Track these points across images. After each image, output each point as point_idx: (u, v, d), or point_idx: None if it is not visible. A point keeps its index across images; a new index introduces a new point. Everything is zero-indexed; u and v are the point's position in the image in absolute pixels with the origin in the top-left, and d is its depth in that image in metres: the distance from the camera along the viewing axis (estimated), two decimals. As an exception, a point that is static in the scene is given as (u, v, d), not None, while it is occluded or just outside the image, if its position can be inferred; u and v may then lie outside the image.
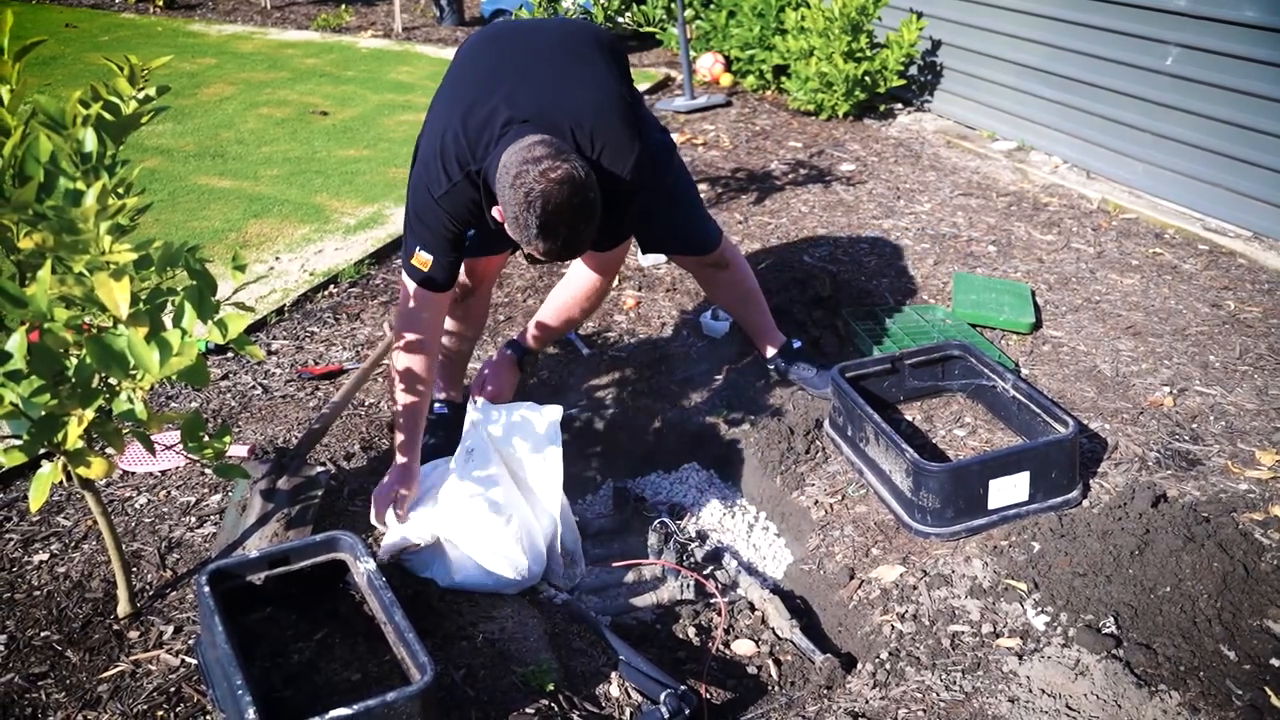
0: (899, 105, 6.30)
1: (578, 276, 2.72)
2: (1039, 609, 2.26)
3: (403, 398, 2.47)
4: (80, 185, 1.74)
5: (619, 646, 2.32)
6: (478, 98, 2.32)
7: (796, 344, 3.26)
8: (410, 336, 2.45)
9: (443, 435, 2.90)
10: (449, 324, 2.85)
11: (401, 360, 2.46)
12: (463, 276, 2.77)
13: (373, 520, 2.45)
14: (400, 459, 2.49)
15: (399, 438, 2.49)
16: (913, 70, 6.21)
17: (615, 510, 2.91)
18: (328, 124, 6.13)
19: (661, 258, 4.15)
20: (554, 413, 2.52)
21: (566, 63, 2.41)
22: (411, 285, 2.43)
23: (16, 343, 1.63)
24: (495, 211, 2.26)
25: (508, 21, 2.52)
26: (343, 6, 9.54)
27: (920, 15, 5.84)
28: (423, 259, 2.38)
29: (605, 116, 2.34)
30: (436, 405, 2.96)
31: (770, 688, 2.35)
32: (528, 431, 2.50)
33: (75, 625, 2.16)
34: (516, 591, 2.41)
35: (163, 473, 2.70)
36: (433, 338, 2.51)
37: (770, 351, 3.27)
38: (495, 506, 2.36)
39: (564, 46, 2.45)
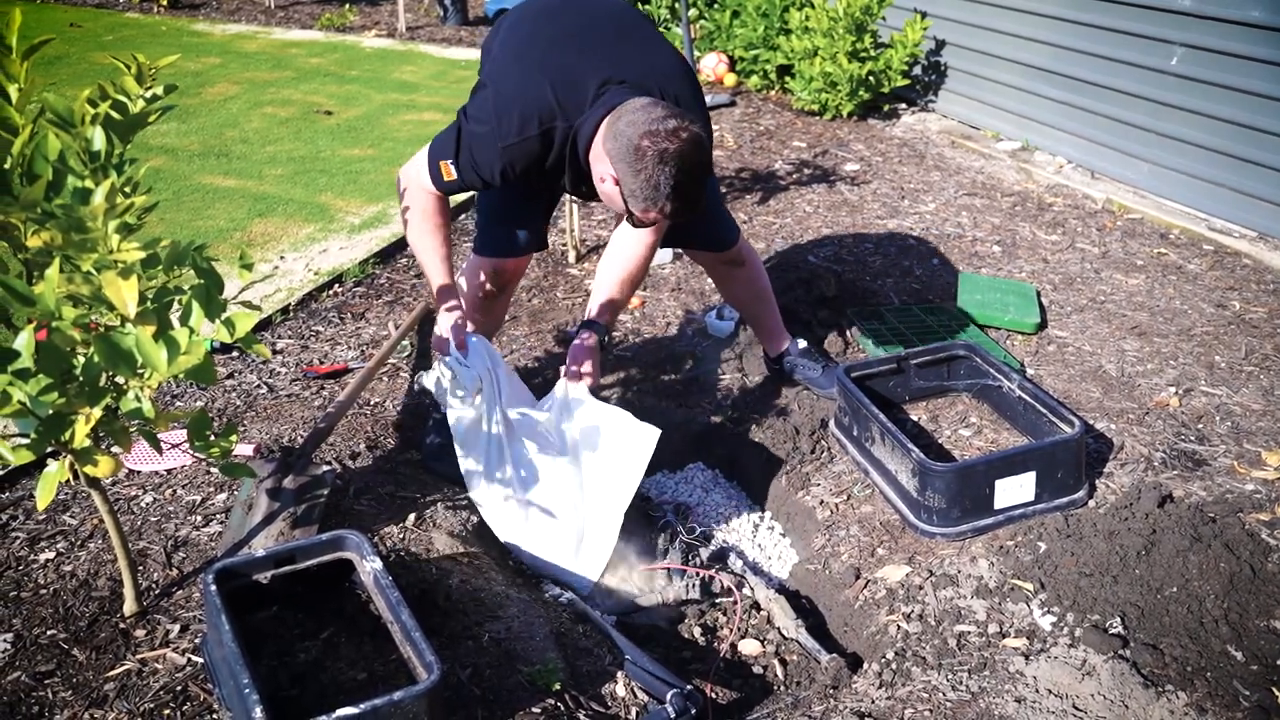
0: (903, 105, 6.30)
1: (632, 242, 2.66)
2: (1045, 609, 2.26)
3: (427, 259, 2.55)
4: (89, 184, 1.74)
5: (625, 646, 2.32)
6: (564, 60, 2.37)
7: (802, 344, 3.25)
8: (416, 213, 2.53)
9: (447, 434, 2.90)
10: (474, 311, 2.88)
11: (413, 234, 2.56)
12: (491, 280, 2.82)
13: (444, 349, 2.54)
14: (445, 304, 2.56)
15: (436, 286, 2.55)
16: (917, 70, 6.21)
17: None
18: (332, 123, 6.14)
19: (668, 256, 4.15)
20: (650, 435, 2.45)
21: (635, 29, 2.48)
22: (423, 177, 2.47)
23: (24, 341, 1.63)
24: (601, 172, 2.29)
25: None
26: (347, 6, 9.54)
27: (924, 15, 5.84)
28: (449, 170, 2.41)
29: (684, 82, 2.43)
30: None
31: (776, 687, 2.35)
32: (616, 442, 2.48)
33: (81, 624, 2.16)
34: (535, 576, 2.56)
35: (169, 471, 2.70)
36: (436, 216, 2.54)
37: (777, 350, 3.26)
38: (555, 497, 2.51)
39: (626, 15, 2.52)
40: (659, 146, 2.16)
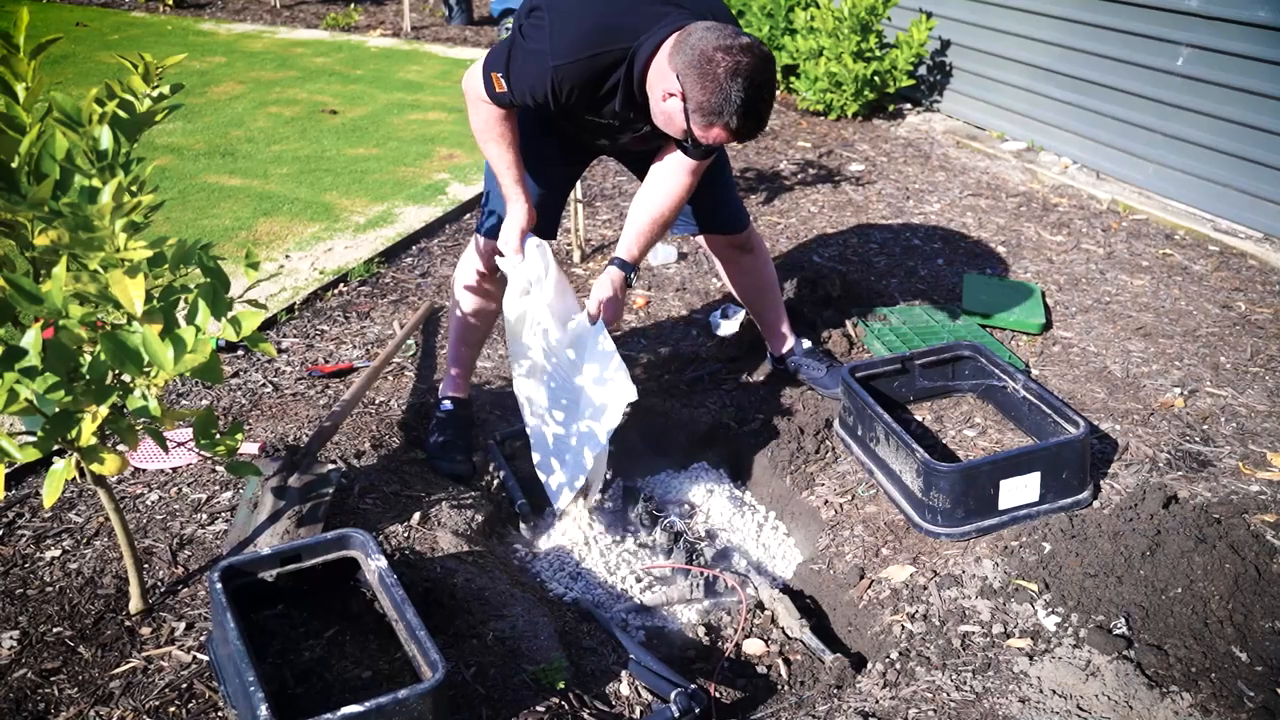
0: (908, 105, 6.29)
1: (669, 180, 2.64)
2: (1050, 609, 2.26)
3: (495, 164, 2.59)
4: (96, 183, 1.75)
5: (629, 645, 2.32)
6: None
7: (807, 343, 3.25)
8: (479, 124, 2.54)
9: (452, 432, 2.91)
10: (474, 302, 2.93)
11: (481, 143, 2.59)
12: (489, 262, 2.80)
13: (510, 251, 2.60)
14: (517, 203, 2.59)
15: (504, 185, 2.60)
16: (922, 70, 6.20)
17: (624, 509, 2.91)
18: (337, 123, 6.15)
19: (672, 255, 4.15)
20: (627, 394, 2.57)
21: None
22: (479, 85, 2.47)
23: (31, 339, 1.64)
24: (664, 88, 2.28)
25: None
26: (352, 5, 9.55)
27: (930, 15, 5.84)
28: (500, 82, 2.41)
29: (728, 13, 2.44)
30: (444, 403, 2.97)
31: (780, 687, 2.35)
32: (605, 387, 2.63)
33: (87, 621, 2.16)
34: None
35: (174, 470, 2.71)
36: (498, 125, 2.53)
37: (782, 349, 3.26)
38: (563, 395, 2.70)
39: None
40: (733, 59, 2.16)
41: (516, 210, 2.60)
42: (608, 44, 2.31)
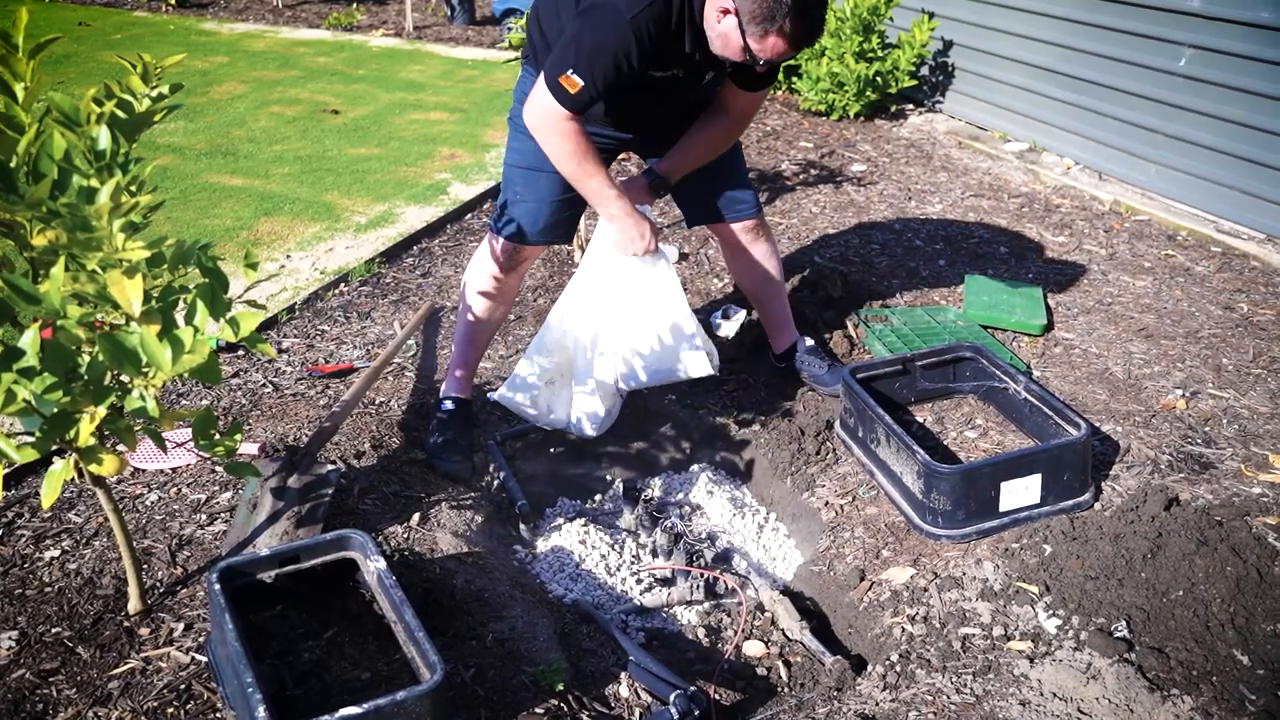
0: (910, 106, 6.28)
1: (719, 117, 2.76)
2: (1050, 612, 2.25)
3: (583, 172, 2.56)
4: (94, 183, 1.74)
5: (628, 647, 2.32)
6: None
7: (810, 341, 3.25)
8: (559, 148, 2.51)
9: (452, 432, 2.90)
10: (486, 304, 2.91)
11: (567, 169, 2.56)
12: (505, 262, 2.83)
13: (645, 246, 2.67)
14: (619, 205, 2.62)
15: (607, 201, 2.61)
16: (924, 71, 6.19)
17: (625, 510, 2.90)
18: (339, 123, 6.15)
19: (673, 256, 4.14)
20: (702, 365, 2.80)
21: None
22: (547, 100, 2.43)
23: (30, 340, 1.64)
24: (719, 5, 2.30)
25: None
26: (354, 5, 9.55)
27: (932, 16, 5.83)
28: (572, 80, 2.37)
29: None
30: (445, 404, 2.97)
31: (780, 689, 2.35)
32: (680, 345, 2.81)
33: (86, 622, 2.16)
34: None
35: (173, 470, 2.70)
36: (578, 140, 2.51)
37: (784, 346, 3.26)
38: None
39: None
40: None
41: (645, 225, 2.66)
42: None
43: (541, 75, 2.45)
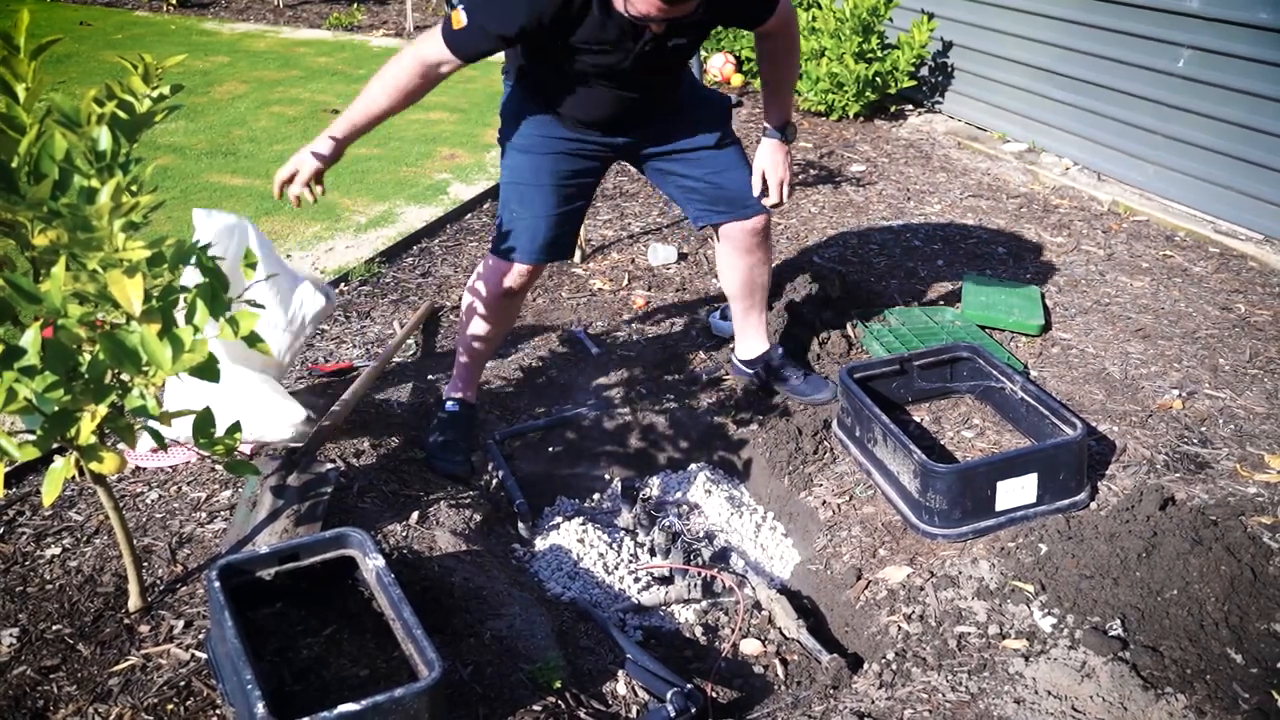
0: (910, 106, 6.29)
1: (776, 42, 2.73)
2: (1046, 611, 2.26)
3: (367, 98, 2.49)
4: (94, 183, 1.76)
5: (626, 645, 2.33)
6: None
7: (779, 350, 3.21)
8: (391, 65, 2.46)
9: (453, 433, 2.90)
10: (482, 326, 2.86)
11: (379, 74, 2.49)
12: (513, 284, 2.78)
13: (275, 185, 2.57)
14: (332, 134, 2.51)
15: (342, 128, 2.51)
16: (924, 71, 6.20)
17: (624, 508, 2.92)
18: (339, 122, 6.15)
19: (672, 255, 4.16)
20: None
21: None
22: (433, 37, 2.40)
23: (31, 339, 1.65)
24: None
25: None
26: (355, 5, 9.56)
27: (931, 16, 5.84)
28: (459, 18, 2.33)
29: None
30: (449, 404, 2.96)
31: (776, 687, 2.36)
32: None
33: (86, 619, 2.17)
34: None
35: (174, 468, 2.72)
36: (407, 78, 2.47)
37: (757, 353, 3.19)
38: None
39: None
40: None
41: (321, 148, 2.51)
42: None
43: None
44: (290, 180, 2.54)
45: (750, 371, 3.24)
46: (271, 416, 2.64)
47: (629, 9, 2.27)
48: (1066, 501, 2.61)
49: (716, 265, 3.18)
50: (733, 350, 3.30)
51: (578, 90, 2.59)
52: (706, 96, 2.91)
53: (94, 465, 1.81)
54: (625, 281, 4.00)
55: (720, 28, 6.70)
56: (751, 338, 3.21)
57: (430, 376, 3.30)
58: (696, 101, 2.84)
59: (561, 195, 2.74)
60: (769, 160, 2.82)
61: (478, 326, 2.87)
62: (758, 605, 2.61)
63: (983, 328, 3.56)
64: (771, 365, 3.19)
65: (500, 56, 2.70)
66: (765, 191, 2.85)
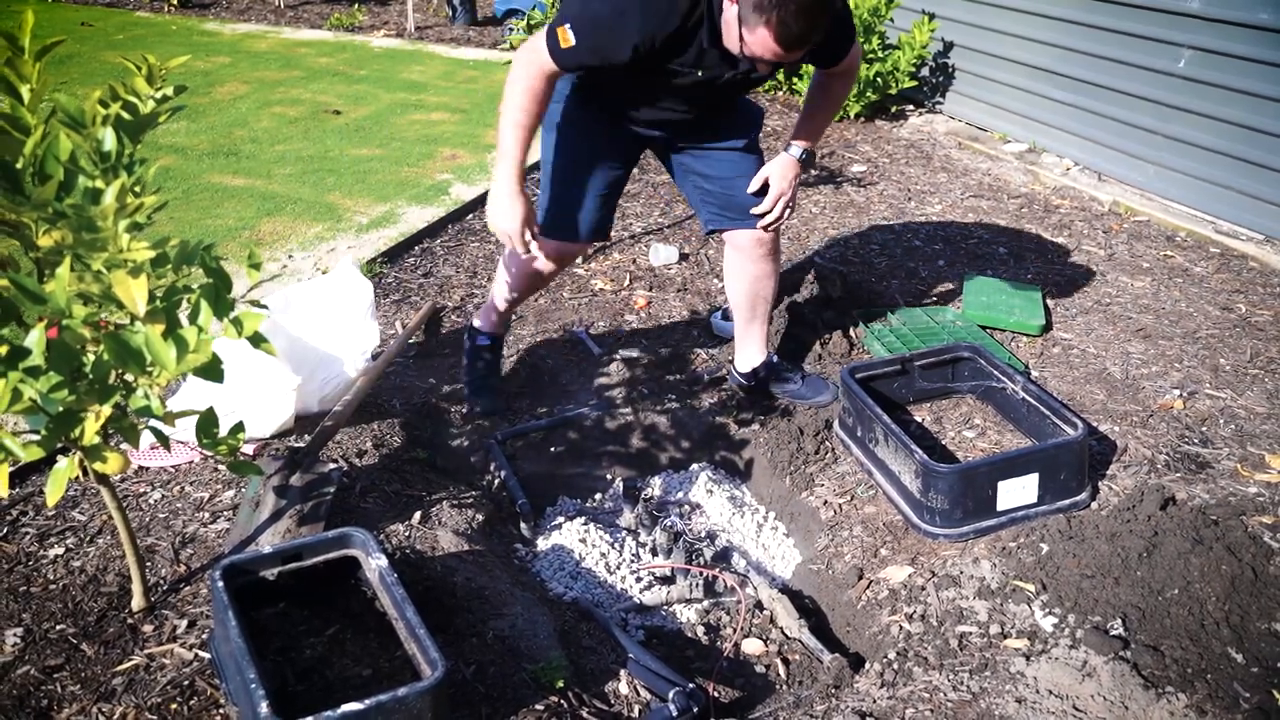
0: (911, 106, 6.30)
1: (831, 83, 2.82)
2: (1047, 610, 2.27)
3: (501, 134, 2.55)
4: (99, 184, 1.76)
5: (628, 644, 2.33)
6: None
7: (775, 357, 3.20)
8: (518, 89, 2.49)
9: (483, 368, 3.12)
10: (519, 289, 3.01)
11: (505, 105, 2.52)
12: (549, 263, 2.86)
13: (520, 247, 2.67)
14: (510, 173, 2.58)
15: (510, 153, 2.56)
16: (924, 72, 6.21)
17: (625, 508, 2.92)
18: (341, 123, 6.16)
19: (674, 256, 4.16)
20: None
21: None
22: (539, 44, 2.43)
23: (35, 339, 1.65)
24: (727, 20, 2.30)
25: None
26: (356, 6, 9.57)
27: (932, 17, 5.84)
28: (566, 34, 2.36)
29: None
30: (481, 337, 3.12)
31: (778, 686, 2.36)
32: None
33: (90, 619, 2.18)
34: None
35: (177, 468, 2.72)
36: (537, 98, 2.52)
37: (756, 362, 3.18)
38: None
39: None
40: None
41: (520, 208, 2.61)
42: None
43: (540, 35, 2.45)
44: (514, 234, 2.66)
45: (748, 382, 3.22)
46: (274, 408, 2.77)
47: (743, 50, 2.31)
48: (1067, 501, 2.61)
49: (725, 276, 3.16)
50: (731, 360, 3.30)
51: (639, 96, 2.64)
52: (745, 104, 2.92)
53: (98, 465, 1.81)
54: (627, 281, 4.01)
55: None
56: (750, 349, 3.18)
57: (432, 379, 3.30)
58: (735, 106, 2.86)
59: (607, 175, 2.79)
60: (779, 170, 2.83)
61: (514, 283, 2.98)
62: (759, 605, 2.61)
63: (984, 328, 3.56)
64: (771, 369, 3.19)
65: (509, 38, 2.76)
66: (760, 200, 2.86)
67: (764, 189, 2.85)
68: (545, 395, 3.28)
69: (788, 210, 2.87)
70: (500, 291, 3.05)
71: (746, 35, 2.27)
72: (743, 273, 3.02)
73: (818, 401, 3.14)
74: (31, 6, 2.04)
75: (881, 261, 4.17)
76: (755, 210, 2.84)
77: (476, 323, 3.16)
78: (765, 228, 2.88)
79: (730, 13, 2.29)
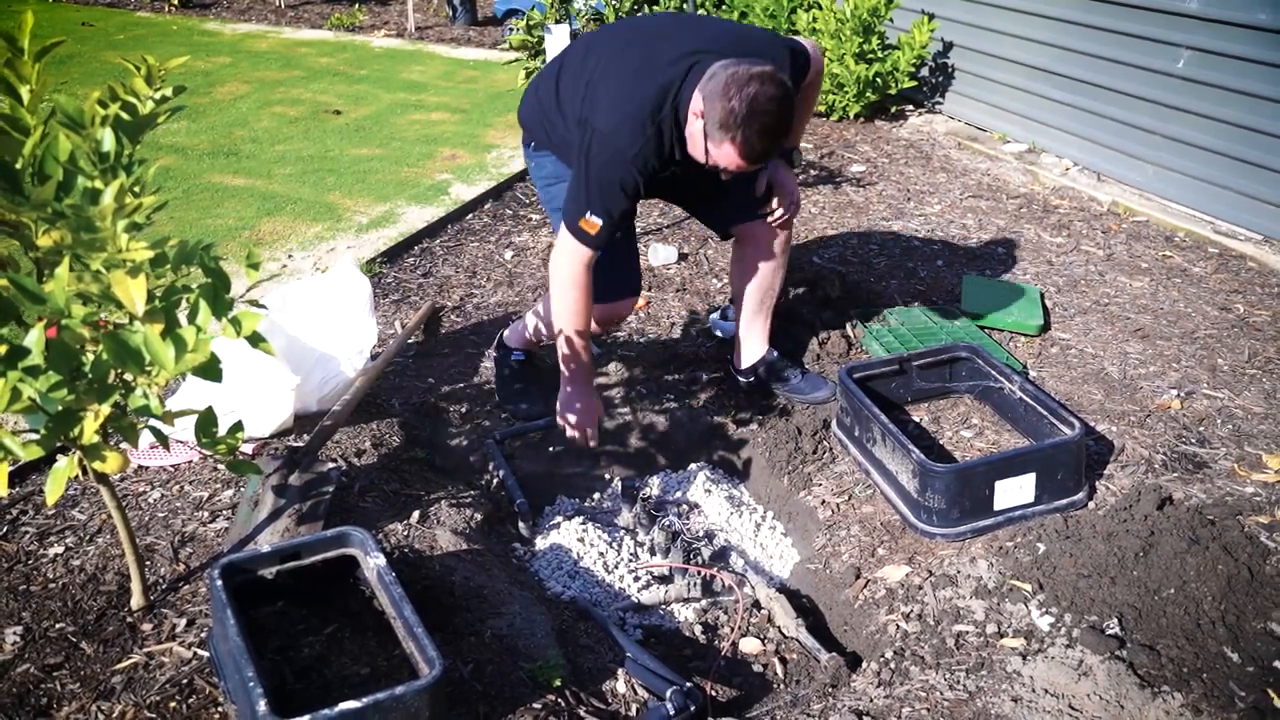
0: (910, 107, 6.30)
1: (809, 87, 2.91)
2: (1043, 610, 2.27)
3: (567, 342, 2.73)
4: (98, 184, 1.77)
5: (625, 643, 2.34)
6: (650, 57, 2.55)
7: (775, 353, 3.22)
8: (570, 289, 2.65)
9: (525, 379, 3.18)
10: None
11: (564, 304, 2.68)
12: (612, 319, 3.02)
13: (583, 435, 2.84)
14: (583, 375, 2.81)
15: (571, 372, 2.79)
16: (924, 72, 6.21)
17: (624, 508, 2.93)
18: (341, 123, 6.17)
19: (673, 256, 4.17)
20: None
21: (700, 19, 2.78)
22: (569, 243, 2.60)
23: (35, 338, 1.66)
24: (691, 109, 2.44)
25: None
26: (356, 6, 9.58)
27: (932, 17, 5.85)
28: (590, 222, 2.55)
29: (766, 39, 2.66)
30: (517, 353, 3.18)
31: (776, 686, 2.37)
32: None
33: (90, 617, 2.19)
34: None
35: (176, 467, 2.73)
36: (586, 286, 2.67)
37: (756, 358, 3.20)
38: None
39: (685, 16, 2.79)
40: (749, 82, 2.33)
41: (596, 410, 2.86)
42: (658, 108, 2.49)
43: (561, 225, 2.62)
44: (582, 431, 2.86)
45: (748, 378, 3.24)
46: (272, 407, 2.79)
47: (708, 161, 2.48)
48: (1064, 501, 2.62)
49: (735, 270, 3.18)
50: (730, 357, 3.30)
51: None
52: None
53: (97, 464, 1.82)
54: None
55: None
56: (754, 343, 3.21)
57: (431, 378, 3.31)
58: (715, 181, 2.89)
59: (628, 230, 2.92)
60: (782, 176, 2.92)
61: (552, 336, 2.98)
62: (757, 604, 2.62)
63: (982, 328, 3.57)
64: (771, 365, 3.20)
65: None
66: (769, 201, 2.95)
67: (768, 191, 2.95)
68: (544, 395, 3.28)
69: (795, 207, 2.97)
70: (541, 331, 3.11)
71: (712, 149, 2.43)
72: (755, 265, 3.09)
73: (815, 398, 3.15)
74: (32, 7, 2.05)
75: (880, 261, 4.18)
76: (765, 210, 2.94)
77: (510, 342, 3.21)
78: (776, 223, 2.98)
79: (695, 126, 2.45)
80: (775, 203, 2.92)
